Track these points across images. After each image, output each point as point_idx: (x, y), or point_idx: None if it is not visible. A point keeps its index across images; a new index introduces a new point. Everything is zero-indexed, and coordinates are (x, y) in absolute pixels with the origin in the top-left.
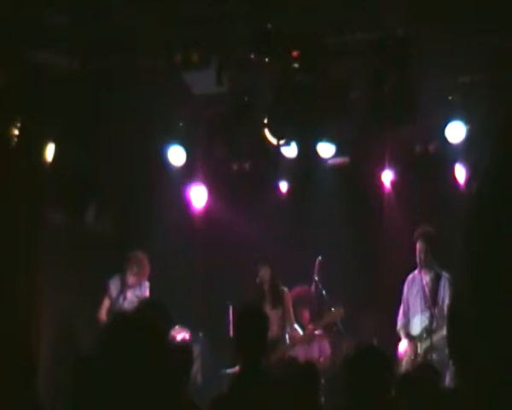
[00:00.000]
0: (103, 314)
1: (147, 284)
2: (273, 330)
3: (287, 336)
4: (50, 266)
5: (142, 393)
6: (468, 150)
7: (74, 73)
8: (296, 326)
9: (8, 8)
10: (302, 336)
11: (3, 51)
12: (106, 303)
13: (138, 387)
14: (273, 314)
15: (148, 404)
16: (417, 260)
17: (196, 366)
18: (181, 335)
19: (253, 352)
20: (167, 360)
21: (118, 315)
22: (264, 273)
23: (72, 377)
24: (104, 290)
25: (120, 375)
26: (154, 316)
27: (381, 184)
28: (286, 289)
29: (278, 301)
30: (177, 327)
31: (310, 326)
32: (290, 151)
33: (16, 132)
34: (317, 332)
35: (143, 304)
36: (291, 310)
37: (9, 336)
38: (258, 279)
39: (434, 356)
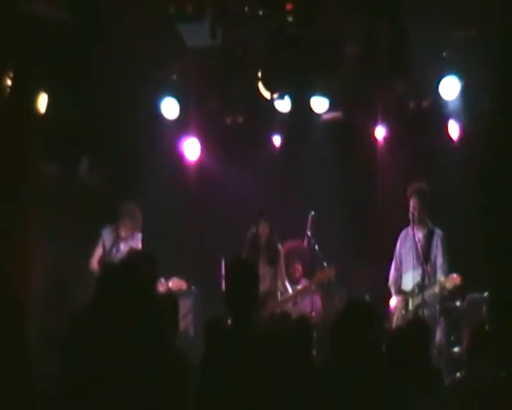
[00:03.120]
0: (95, 264)
1: (139, 235)
2: (265, 285)
3: (279, 292)
4: (42, 217)
5: (129, 342)
6: (462, 106)
7: (66, 23)
8: (287, 284)
9: None
10: (293, 294)
11: None
12: (98, 252)
13: (127, 336)
14: (267, 270)
15: (135, 353)
16: (410, 216)
17: (189, 319)
18: (177, 285)
19: (244, 305)
20: (153, 309)
21: (106, 267)
22: (263, 229)
23: (67, 331)
24: (96, 240)
25: (109, 324)
26: (141, 266)
27: (374, 139)
28: (280, 247)
29: (274, 257)
30: (174, 278)
31: (301, 284)
32: (284, 105)
33: (9, 83)
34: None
35: (131, 255)
36: (283, 267)
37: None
38: (249, 233)
39: (426, 312)
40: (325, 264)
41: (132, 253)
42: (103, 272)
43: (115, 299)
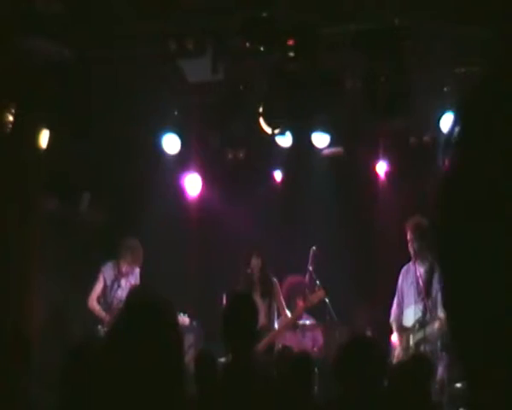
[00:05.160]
0: (94, 300)
1: (137, 270)
2: (261, 319)
3: (275, 326)
4: (44, 253)
5: (140, 378)
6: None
7: (67, 60)
8: (288, 313)
9: None
10: (288, 321)
11: None
12: (97, 289)
13: (139, 372)
14: (262, 304)
15: (144, 388)
16: (411, 250)
17: (190, 354)
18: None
19: (244, 340)
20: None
21: (131, 299)
22: (256, 264)
23: (67, 365)
24: (96, 276)
25: (122, 359)
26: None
27: (375, 174)
28: (275, 279)
29: (267, 291)
30: (178, 314)
31: (303, 319)
32: (285, 140)
33: (11, 119)
34: (308, 322)
35: (136, 292)
36: (282, 299)
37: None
38: (249, 269)
39: (427, 347)
40: (318, 283)
41: (135, 289)
42: (124, 307)
43: (135, 333)
